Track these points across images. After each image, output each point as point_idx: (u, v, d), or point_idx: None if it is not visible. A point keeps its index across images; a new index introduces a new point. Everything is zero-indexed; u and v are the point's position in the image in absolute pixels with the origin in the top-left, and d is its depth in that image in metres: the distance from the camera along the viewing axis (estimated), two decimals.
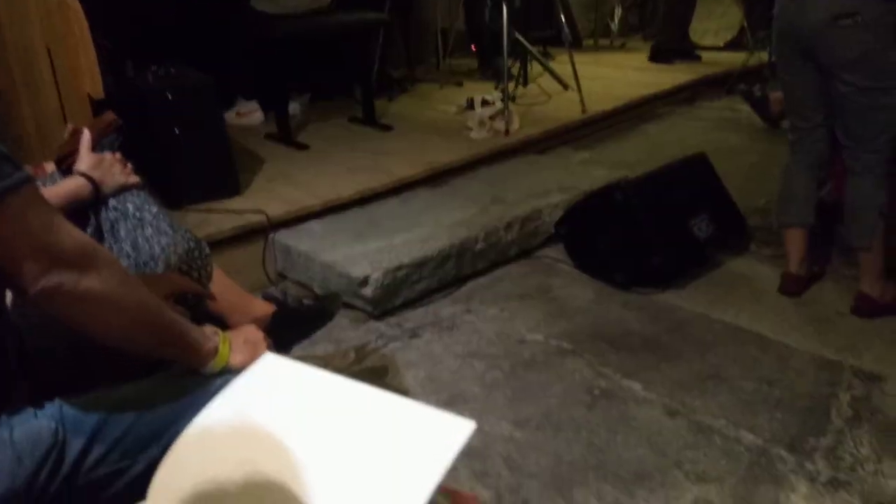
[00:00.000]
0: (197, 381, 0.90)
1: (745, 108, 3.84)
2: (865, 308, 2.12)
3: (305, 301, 1.81)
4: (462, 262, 2.34)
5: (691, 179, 2.49)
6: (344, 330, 2.10)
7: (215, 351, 0.93)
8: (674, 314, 2.19)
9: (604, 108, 3.56)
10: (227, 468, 0.72)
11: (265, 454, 0.72)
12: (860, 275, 2.14)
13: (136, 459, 0.85)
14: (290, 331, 1.56)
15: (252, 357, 0.89)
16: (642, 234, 2.29)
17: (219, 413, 0.79)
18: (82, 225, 1.39)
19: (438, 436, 0.72)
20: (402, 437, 0.74)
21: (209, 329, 0.97)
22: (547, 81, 3.91)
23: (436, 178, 2.74)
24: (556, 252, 2.53)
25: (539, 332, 2.08)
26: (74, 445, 0.83)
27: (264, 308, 1.62)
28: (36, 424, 0.83)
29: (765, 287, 2.30)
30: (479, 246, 2.38)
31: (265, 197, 2.40)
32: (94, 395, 0.88)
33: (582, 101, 3.48)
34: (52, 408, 0.85)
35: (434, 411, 0.76)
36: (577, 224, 2.45)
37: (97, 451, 0.84)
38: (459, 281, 2.34)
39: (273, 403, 0.79)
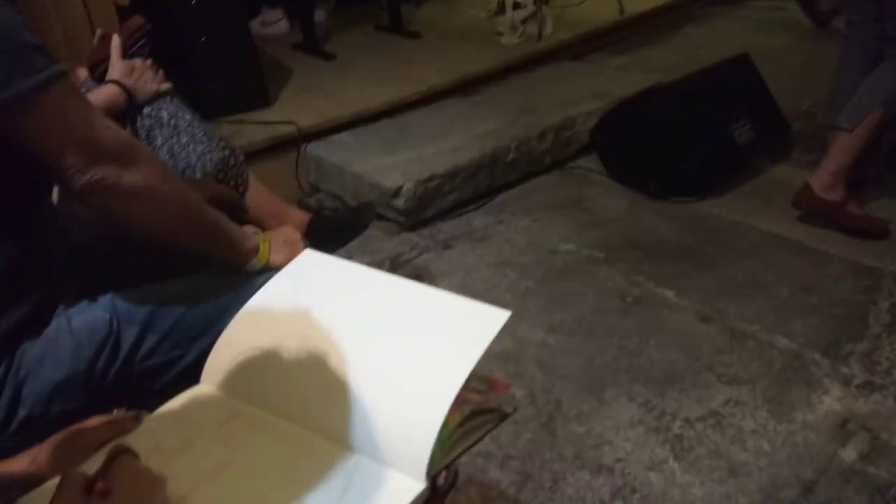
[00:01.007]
0: (241, 278, 0.93)
1: (792, 7, 3.61)
2: (805, 202, 2.02)
3: (340, 211, 1.83)
4: (494, 173, 2.31)
5: (733, 82, 2.39)
6: (378, 241, 2.12)
7: (256, 250, 0.95)
8: (709, 222, 2.16)
9: (642, 10, 3.38)
10: (273, 352, 0.75)
11: (308, 340, 0.75)
12: (821, 162, 2.01)
13: (188, 350, 0.89)
14: (325, 240, 1.57)
15: (291, 256, 0.90)
16: (679, 141, 2.23)
17: (264, 301, 0.81)
18: None
19: (475, 323, 0.73)
20: (439, 325, 0.75)
21: (249, 229, 0.99)
22: None
23: (466, 87, 2.67)
24: (589, 162, 2.48)
25: (571, 242, 2.08)
26: (128, 335, 0.87)
27: (300, 217, 1.63)
28: (92, 315, 0.86)
29: None
30: (511, 156, 2.34)
31: (295, 108, 2.38)
32: (144, 288, 0.92)
33: (620, 1, 3.30)
34: (106, 300, 0.89)
35: (471, 301, 0.77)
36: (611, 132, 2.39)
37: (150, 341, 0.88)
38: (491, 192, 2.33)
39: (315, 293, 0.81)
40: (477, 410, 0.72)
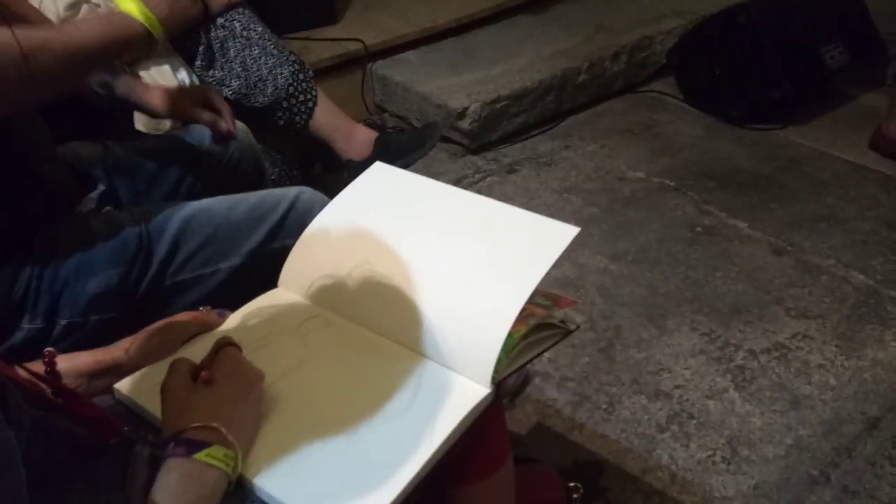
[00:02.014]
0: (268, 197, 0.94)
1: None
2: (881, 143, 1.92)
3: (406, 131, 1.82)
4: (562, 96, 2.24)
5: (828, 1, 2.19)
6: (441, 163, 2.12)
7: (132, 18, 0.83)
8: (791, 151, 2.04)
9: None
10: (347, 260, 0.77)
11: (380, 249, 0.76)
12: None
13: (218, 267, 0.91)
14: (391, 157, 1.58)
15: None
16: (765, 63, 2.09)
17: (338, 211, 0.83)
18: (194, 44, 1.41)
19: (544, 237, 0.73)
20: (509, 238, 0.76)
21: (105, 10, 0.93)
22: None
23: (537, 4, 2.56)
24: (664, 85, 2.37)
25: (640, 169, 2.02)
26: (159, 250, 0.89)
27: (367, 134, 1.64)
28: (124, 229, 0.89)
29: None
30: (582, 78, 2.25)
31: (361, 25, 2.34)
32: (174, 205, 0.94)
33: None
34: (138, 214, 0.91)
35: (540, 217, 0.77)
36: (691, 53, 2.26)
37: (180, 256, 0.91)
38: (558, 116, 2.26)
39: (387, 204, 0.82)
40: (541, 324, 0.73)
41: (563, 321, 0.76)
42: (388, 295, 0.74)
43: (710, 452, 1.24)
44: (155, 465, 0.60)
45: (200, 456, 0.55)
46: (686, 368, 1.41)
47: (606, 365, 1.42)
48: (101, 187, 0.99)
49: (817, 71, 2.13)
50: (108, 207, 0.95)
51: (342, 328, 0.76)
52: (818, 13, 2.16)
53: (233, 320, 0.78)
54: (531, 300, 0.69)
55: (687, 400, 1.34)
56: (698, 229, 1.78)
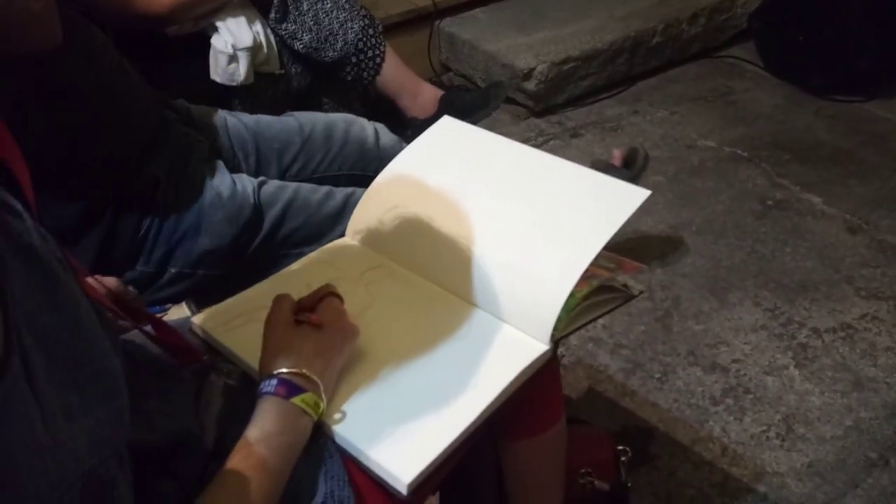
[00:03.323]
0: (357, 194, 0.98)
1: None
2: None
3: (471, 90, 1.81)
4: (634, 59, 2.17)
5: None
6: (504, 125, 2.10)
7: None
8: (875, 125, 1.93)
9: None
10: (412, 213, 0.79)
11: (447, 203, 0.77)
12: None
13: (304, 250, 0.95)
14: (455, 116, 1.58)
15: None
16: (855, 30, 1.96)
17: (406, 163, 0.84)
18: None
19: (613, 199, 0.73)
20: (577, 197, 0.75)
21: None
22: None
23: None
24: (743, 51, 2.26)
25: (712, 138, 1.95)
26: (266, 223, 0.96)
27: (433, 92, 1.64)
28: (240, 194, 0.95)
29: None
30: (656, 40, 2.18)
31: None
32: (282, 183, 1.00)
33: None
34: (253, 183, 0.97)
35: (609, 178, 0.76)
36: (775, 17, 2.14)
37: (281, 233, 0.97)
38: (628, 80, 2.20)
39: (455, 159, 0.83)
40: (604, 286, 0.73)
41: (626, 285, 0.75)
42: (453, 248, 0.74)
43: (764, 428, 1.23)
44: (228, 396, 0.64)
45: (297, 400, 0.57)
46: (746, 343, 1.38)
47: (662, 335, 1.41)
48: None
49: None
50: (219, 161, 1.00)
51: (405, 278, 0.77)
52: None
53: (301, 264, 0.80)
54: (595, 261, 0.68)
55: (744, 374, 1.32)
56: (769, 202, 1.72)
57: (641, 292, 0.77)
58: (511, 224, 0.75)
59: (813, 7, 2.04)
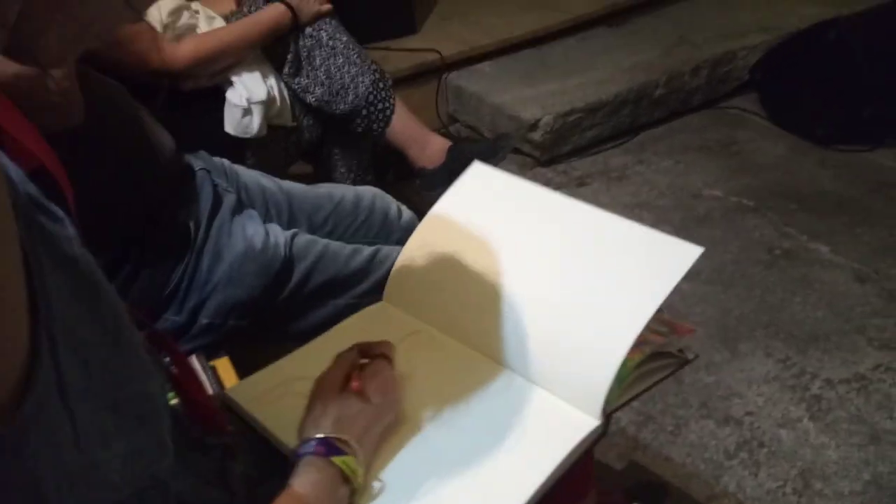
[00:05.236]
0: (382, 251, 1.01)
1: None
2: None
3: (479, 141, 1.84)
4: (638, 110, 2.21)
5: None
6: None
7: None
8: (880, 175, 1.95)
9: None
10: (452, 274, 0.74)
11: (488, 261, 0.72)
12: None
13: (331, 303, 0.98)
14: (463, 166, 1.60)
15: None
16: (857, 82, 2.00)
17: (441, 218, 0.78)
18: (283, 53, 1.48)
19: (664, 257, 0.66)
20: (625, 255, 0.69)
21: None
22: None
23: (616, 16, 2.53)
24: (745, 102, 2.30)
25: (717, 188, 1.96)
26: (295, 276, 0.97)
27: (441, 143, 1.67)
28: (273, 246, 0.96)
29: None
30: (660, 92, 2.22)
31: (439, 36, 2.38)
32: (312, 238, 1.01)
33: None
34: (286, 235, 0.98)
35: (659, 233, 0.69)
36: (777, 69, 2.19)
37: (309, 287, 0.97)
38: (633, 130, 2.23)
39: (490, 213, 0.76)
40: (657, 353, 0.68)
41: (681, 350, 0.70)
42: (495, 313, 0.69)
43: (780, 483, 1.20)
44: (247, 485, 0.59)
45: (338, 461, 0.54)
46: (759, 395, 1.36)
47: (674, 387, 1.39)
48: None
49: None
50: (250, 210, 1.01)
51: (446, 345, 0.72)
52: None
53: (336, 332, 0.76)
54: (647, 326, 0.63)
55: (758, 427, 1.30)
56: (777, 252, 1.72)
57: (697, 356, 0.71)
58: (558, 285, 0.69)
59: (814, 58, 2.08)
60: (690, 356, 0.70)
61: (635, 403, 1.35)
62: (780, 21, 2.40)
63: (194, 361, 0.87)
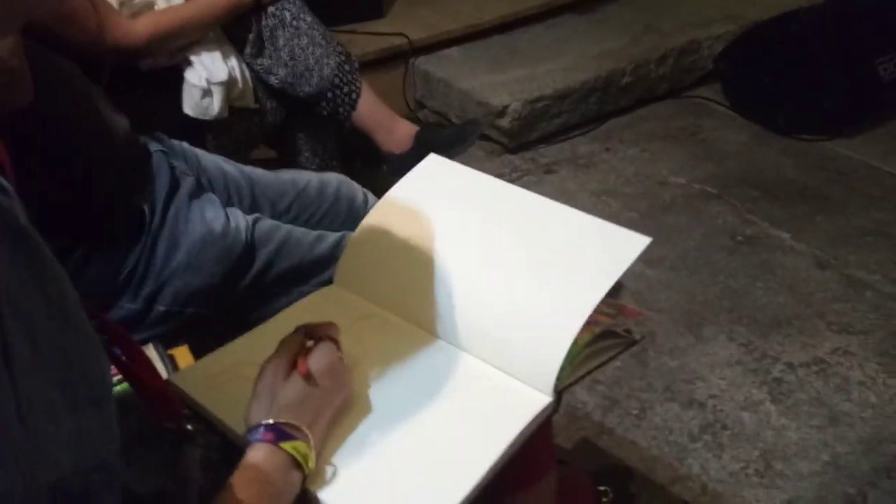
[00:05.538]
0: (348, 237, 0.97)
1: None
2: None
3: (447, 127, 1.82)
4: (605, 98, 2.22)
5: (887, 9, 2.13)
6: (478, 161, 2.11)
7: None
8: (839, 164, 1.99)
9: None
10: (402, 258, 0.75)
11: (438, 246, 0.73)
12: None
13: (295, 290, 0.94)
14: (430, 152, 1.59)
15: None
16: (818, 73, 2.04)
17: (393, 204, 0.80)
18: (245, 32, 1.44)
19: (613, 246, 0.69)
20: (577, 243, 0.72)
21: None
22: None
23: (585, 4, 2.53)
24: (710, 91, 2.33)
25: (682, 175, 1.99)
26: (257, 262, 0.94)
27: (408, 128, 1.64)
28: (233, 231, 0.92)
29: None
30: (626, 80, 2.23)
31: (407, 20, 2.35)
32: (275, 223, 0.98)
33: None
34: (247, 221, 0.95)
35: (608, 223, 0.73)
36: (740, 58, 2.21)
37: (271, 273, 0.95)
38: (599, 118, 2.24)
39: (442, 202, 0.79)
40: (605, 333, 0.70)
41: (628, 330, 0.73)
42: (446, 294, 0.71)
43: (742, 465, 1.22)
44: (207, 469, 0.58)
45: (287, 446, 0.53)
46: (721, 378, 1.39)
47: (639, 371, 1.41)
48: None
49: (870, 83, 2.07)
50: (210, 194, 0.97)
51: (398, 328, 0.73)
52: (873, 24, 2.10)
53: (285, 315, 0.76)
54: (597, 308, 0.65)
55: (721, 410, 1.32)
56: (739, 238, 1.75)
57: (643, 337, 0.74)
58: (509, 269, 0.71)
59: (776, 50, 2.11)
60: (638, 337, 0.73)
61: (601, 388, 1.37)
62: (744, 11, 2.43)
63: (150, 350, 0.84)
